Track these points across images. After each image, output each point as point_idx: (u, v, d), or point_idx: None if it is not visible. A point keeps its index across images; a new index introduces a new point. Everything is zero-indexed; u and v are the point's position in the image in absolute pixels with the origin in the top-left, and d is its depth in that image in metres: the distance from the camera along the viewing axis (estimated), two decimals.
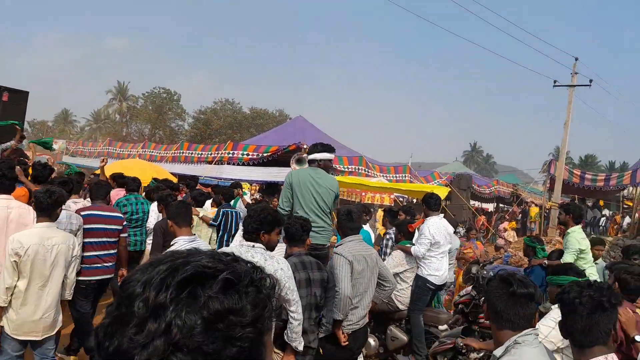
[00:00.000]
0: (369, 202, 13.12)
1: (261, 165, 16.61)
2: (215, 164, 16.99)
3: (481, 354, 3.82)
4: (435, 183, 17.66)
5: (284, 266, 3.08)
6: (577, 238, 5.14)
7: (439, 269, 5.29)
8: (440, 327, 4.66)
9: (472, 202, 20.80)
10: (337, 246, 3.88)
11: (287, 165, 15.55)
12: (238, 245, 3.34)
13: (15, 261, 3.33)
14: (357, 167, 16.57)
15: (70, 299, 3.92)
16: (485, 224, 16.86)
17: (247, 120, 44.06)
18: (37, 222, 3.61)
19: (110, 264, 4.78)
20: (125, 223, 4.99)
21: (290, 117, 39.32)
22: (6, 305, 3.39)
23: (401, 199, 15.08)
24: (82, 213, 4.58)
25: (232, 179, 14.78)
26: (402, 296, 5.30)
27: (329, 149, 4.70)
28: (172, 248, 3.47)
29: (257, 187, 15.61)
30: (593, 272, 5.12)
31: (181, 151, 19.23)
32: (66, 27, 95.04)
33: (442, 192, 10.48)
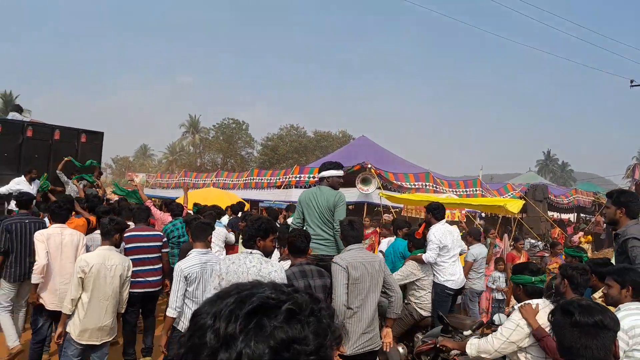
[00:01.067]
0: (459, 221, 12.90)
1: None
2: (283, 188, 17.53)
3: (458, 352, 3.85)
4: (509, 195, 16.96)
5: (278, 269, 3.40)
6: None
7: (454, 274, 5.44)
8: (465, 333, 4.62)
9: (550, 213, 19.71)
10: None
11: (353, 185, 15.77)
12: (238, 253, 3.61)
13: (81, 277, 3.94)
14: (424, 184, 16.34)
15: (123, 312, 4.47)
16: (561, 236, 15.92)
17: (311, 144, 44.89)
18: (101, 244, 4.24)
19: (153, 278, 5.30)
20: (165, 240, 5.53)
21: (353, 138, 39.57)
22: (70, 313, 3.99)
23: (473, 214, 14.62)
24: (125, 235, 5.04)
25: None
26: (422, 303, 5.42)
27: (336, 166, 4.99)
28: (187, 258, 4.10)
29: None
30: None
31: (251, 178, 20.01)
32: (140, 69, 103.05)
33: (517, 205, 10.07)
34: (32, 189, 8.04)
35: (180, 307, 3.97)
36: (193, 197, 13.79)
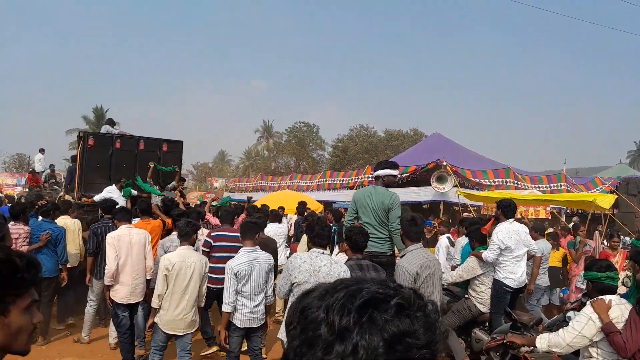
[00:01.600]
0: (520, 216, 12.31)
1: (400, 187, 16.69)
2: (356, 188, 17.59)
3: (531, 348, 3.78)
4: (597, 190, 15.82)
5: (346, 269, 3.65)
6: None
7: (515, 272, 5.38)
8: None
9: None
10: (400, 257, 4.13)
11: (428, 184, 15.47)
12: (312, 251, 3.74)
13: (165, 275, 4.37)
14: (504, 180, 15.68)
15: (202, 305, 4.79)
16: None
17: (382, 143, 44.46)
18: (180, 245, 4.64)
19: None
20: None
21: (425, 135, 38.69)
22: (158, 307, 4.44)
23: (558, 211, 13.79)
24: (212, 234, 5.75)
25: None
26: (482, 298, 5.43)
27: (391, 165, 5.01)
28: (237, 256, 4.38)
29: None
30: None
31: (324, 179, 20.29)
32: (215, 77, 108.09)
33: (608, 200, 9.40)
34: (121, 195, 8.78)
35: (233, 303, 4.23)
36: (269, 199, 14.31)
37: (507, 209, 5.59)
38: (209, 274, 5.27)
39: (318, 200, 14.84)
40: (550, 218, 12.25)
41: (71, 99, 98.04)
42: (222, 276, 5.30)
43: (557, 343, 3.21)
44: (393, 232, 4.64)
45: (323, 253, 3.65)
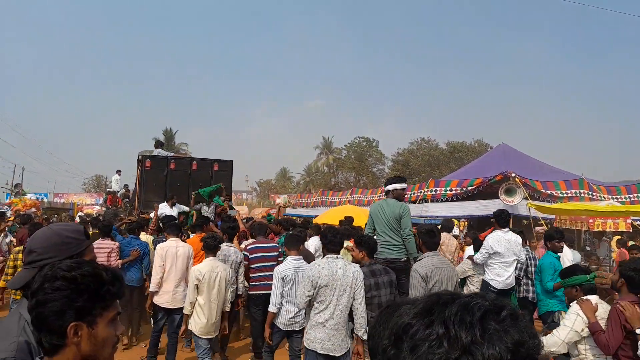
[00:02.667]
0: (599, 229, 11.50)
1: (466, 200, 16.17)
2: (419, 202, 17.24)
3: None
4: None
5: (358, 269, 4.08)
6: None
7: (501, 275, 5.89)
8: None
9: None
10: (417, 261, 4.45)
11: (495, 197, 14.89)
12: (327, 257, 4.13)
13: (196, 284, 4.87)
14: (577, 192, 14.83)
15: (228, 310, 5.22)
16: None
17: (444, 156, 43.50)
18: (206, 257, 5.14)
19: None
20: (280, 250, 6.29)
21: (491, 147, 37.42)
22: (190, 314, 4.93)
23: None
24: (249, 247, 6.28)
25: (437, 216, 14.73)
26: None
27: (399, 180, 5.64)
28: (283, 263, 4.94)
29: (465, 223, 15.13)
30: None
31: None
32: (274, 98, 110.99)
33: None
34: (173, 212, 9.45)
35: (279, 304, 4.68)
36: (331, 214, 14.34)
37: (499, 218, 6.08)
38: (252, 283, 5.96)
39: None
40: (631, 231, 11.38)
41: (144, 122, 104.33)
42: (263, 283, 5.82)
43: (554, 342, 3.39)
44: (405, 237, 5.13)
45: (337, 258, 4.08)
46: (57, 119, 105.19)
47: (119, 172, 19.20)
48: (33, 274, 1.53)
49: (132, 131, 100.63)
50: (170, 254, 5.78)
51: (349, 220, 10.16)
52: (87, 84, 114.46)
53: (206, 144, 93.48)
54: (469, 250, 7.41)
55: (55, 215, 19.08)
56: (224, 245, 5.73)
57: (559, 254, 5.85)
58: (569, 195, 14.76)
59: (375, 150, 47.78)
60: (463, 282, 6.42)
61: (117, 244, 6.57)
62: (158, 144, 12.74)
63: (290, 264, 4.84)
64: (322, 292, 3.90)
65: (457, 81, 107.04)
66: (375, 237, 5.16)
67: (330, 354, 3.91)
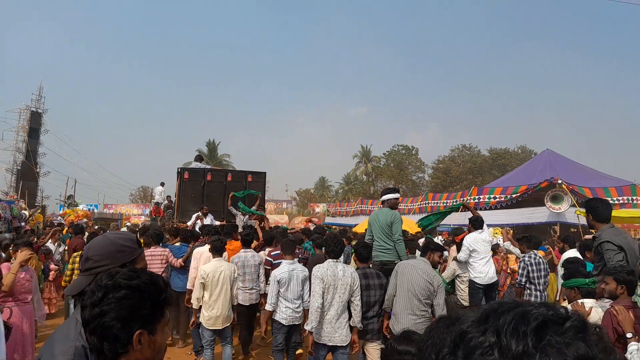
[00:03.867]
0: None
1: (511, 207, 15.74)
2: (461, 210, 16.88)
3: None
4: None
5: (354, 270, 4.77)
6: None
7: (483, 272, 6.83)
8: None
9: None
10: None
11: (541, 204, 14.43)
12: (328, 261, 4.73)
13: (202, 282, 5.48)
14: (630, 198, 14.16)
15: (235, 304, 5.72)
16: None
17: (487, 163, 42.54)
18: (213, 257, 5.73)
19: None
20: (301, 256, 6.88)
21: (535, 153, 36.30)
22: (197, 308, 5.57)
23: None
24: (272, 252, 6.83)
25: (489, 224, 14.37)
26: (462, 295, 7.14)
27: (393, 191, 6.23)
28: (279, 267, 5.49)
29: (511, 231, 14.70)
30: None
31: (427, 202, 19.80)
32: (316, 106, 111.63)
33: None
34: (205, 221, 10.25)
35: (274, 304, 5.31)
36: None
37: (475, 223, 7.09)
38: None
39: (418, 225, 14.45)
40: None
41: (189, 134, 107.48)
42: None
43: None
44: (395, 241, 5.76)
45: (337, 262, 4.73)
46: (106, 133, 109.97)
47: (162, 184, 19.87)
48: (89, 280, 1.60)
49: (178, 143, 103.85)
50: (203, 257, 6.36)
51: (457, 234, 10.12)
52: (134, 98, 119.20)
53: (248, 154, 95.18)
54: (452, 251, 8.23)
55: (102, 226, 19.88)
56: (241, 252, 6.32)
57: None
58: (621, 202, 14.11)
59: (415, 158, 47.29)
60: (453, 282, 7.23)
61: (168, 250, 7.06)
62: (197, 158, 13.56)
63: (285, 267, 5.42)
64: (327, 290, 4.55)
65: (499, 86, 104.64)
66: (373, 242, 5.90)
67: (338, 344, 4.60)
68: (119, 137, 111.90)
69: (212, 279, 5.45)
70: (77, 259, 6.38)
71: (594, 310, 3.49)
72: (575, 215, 10.96)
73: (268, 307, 5.33)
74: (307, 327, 4.66)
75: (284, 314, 5.33)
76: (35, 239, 9.68)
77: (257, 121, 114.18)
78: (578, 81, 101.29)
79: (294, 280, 5.34)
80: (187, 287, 6.47)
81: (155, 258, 6.83)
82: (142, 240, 7.25)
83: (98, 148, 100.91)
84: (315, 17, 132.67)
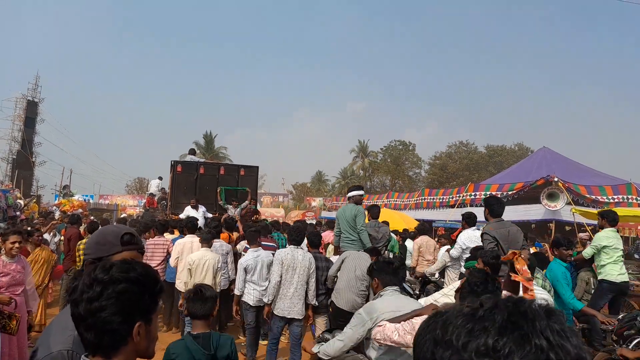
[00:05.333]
0: None
1: (506, 205, 15.73)
2: (457, 207, 16.91)
3: None
4: None
5: (310, 256, 5.53)
6: (601, 236, 6.27)
7: None
8: None
9: None
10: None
11: (537, 201, 14.45)
12: (290, 247, 5.54)
13: (189, 269, 6.08)
14: (625, 197, 14.20)
15: (218, 291, 6.04)
16: None
17: (483, 160, 42.61)
18: (201, 247, 6.35)
19: None
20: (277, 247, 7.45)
21: (532, 150, 36.37)
22: (184, 291, 5.89)
23: None
24: (246, 245, 6.94)
25: (478, 221, 14.42)
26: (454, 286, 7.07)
27: (358, 188, 6.98)
28: (245, 255, 6.18)
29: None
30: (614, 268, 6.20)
31: (423, 197, 19.82)
32: (315, 101, 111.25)
33: None
34: (197, 213, 10.41)
35: (241, 289, 5.87)
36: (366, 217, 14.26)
37: (468, 219, 7.02)
38: None
39: (417, 219, 14.49)
40: None
41: (186, 126, 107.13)
42: None
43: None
44: (359, 231, 6.33)
45: (297, 247, 5.50)
46: (103, 123, 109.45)
47: (160, 178, 19.85)
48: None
49: (175, 135, 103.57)
50: (186, 249, 6.84)
51: (422, 228, 10.13)
52: (132, 89, 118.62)
53: (245, 147, 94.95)
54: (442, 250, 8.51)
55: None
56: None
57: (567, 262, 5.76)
58: (616, 200, 14.14)
59: (412, 154, 47.31)
60: (443, 271, 7.56)
61: (170, 240, 7.39)
62: (191, 151, 13.73)
63: (250, 255, 6.01)
64: (287, 271, 5.32)
65: (497, 84, 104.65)
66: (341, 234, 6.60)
67: (295, 317, 5.34)
68: (116, 128, 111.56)
69: (198, 266, 6.04)
70: (82, 247, 6.71)
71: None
72: (571, 213, 10.99)
73: (236, 292, 5.95)
74: (265, 299, 5.47)
75: (252, 296, 5.87)
76: (29, 228, 9.62)
77: (255, 114, 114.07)
78: (577, 80, 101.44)
79: (259, 266, 5.90)
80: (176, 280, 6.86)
81: (158, 247, 7.24)
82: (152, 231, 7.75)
83: (95, 139, 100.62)
84: (315, 12, 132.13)
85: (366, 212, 7.10)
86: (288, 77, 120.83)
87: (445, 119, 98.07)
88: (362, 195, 6.88)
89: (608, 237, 6.20)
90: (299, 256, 5.41)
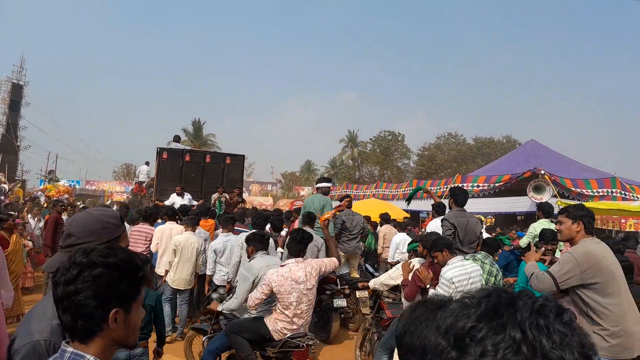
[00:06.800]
0: (632, 229, 11.16)
1: (493, 196, 15.92)
2: (445, 198, 17.03)
3: None
4: None
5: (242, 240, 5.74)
6: (536, 226, 6.52)
7: None
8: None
9: None
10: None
11: (523, 194, 14.62)
12: (252, 232, 5.45)
13: (174, 249, 6.39)
14: (610, 191, 14.43)
15: (202, 273, 6.71)
16: None
17: (471, 151, 42.88)
18: (185, 230, 6.65)
19: None
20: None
21: (519, 143, 36.67)
22: (169, 269, 6.43)
23: None
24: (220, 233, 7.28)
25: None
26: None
27: (326, 180, 7.58)
28: (216, 239, 6.63)
29: (492, 220, 14.90)
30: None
31: (411, 188, 19.90)
32: (304, 91, 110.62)
33: None
34: (182, 201, 10.42)
35: (212, 269, 6.42)
36: (354, 208, 14.32)
37: (438, 209, 7.13)
38: None
39: (405, 210, 14.58)
40: None
41: (175, 112, 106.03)
42: None
43: (376, 280, 5.36)
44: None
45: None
46: (90, 108, 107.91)
47: (147, 163, 19.66)
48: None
49: (163, 121, 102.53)
50: (165, 236, 6.97)
51: (385, 217, 10.22)
52: (120, 74, 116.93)
53: (234, 135, 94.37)
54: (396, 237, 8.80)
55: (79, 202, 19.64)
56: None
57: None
58: (601, 194, 14.37)
59: (401, 145, 47.40)
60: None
61: (154, 229, 7.22)
62: (176, 138, 13.69)
63: (220, 239, 6.50)
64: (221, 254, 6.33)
65: (486, 76, 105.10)
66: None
67: (181, 288, 6.36)
68: (103, 113, 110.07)
69: (183, 247, 6.40)
70: None
71: (416, 264, 4.70)
72: (557, 206, 11.13)
73: (207, 272, 6.48)
74: (225, 277, 6.11)
75: (219, 276, 6.38)
76: (17, 213, 9.50)
77: (245, 103, 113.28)
78: (566, 74, 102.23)
79: (228, 249, 6.34)
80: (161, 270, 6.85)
81: (141, 235, 7.10)
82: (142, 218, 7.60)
83: (81, 123, 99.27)
84: (306, 2, 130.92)
85: (340, 202, 7.58)
86: (279, 65, 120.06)
87: (434, 111, 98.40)
88: (329, 187, 7.42)
89: (542, 227, 6.44)
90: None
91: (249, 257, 4.75)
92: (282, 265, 4.16)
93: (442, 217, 6.98)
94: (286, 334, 3.97)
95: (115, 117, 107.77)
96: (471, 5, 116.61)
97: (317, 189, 7.37)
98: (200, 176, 12.19)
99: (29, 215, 10.85)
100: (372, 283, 5.46)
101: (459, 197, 5.42)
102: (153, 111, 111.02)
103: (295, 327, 4.00)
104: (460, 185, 16.87)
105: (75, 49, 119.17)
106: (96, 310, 1.21)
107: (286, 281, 3.94)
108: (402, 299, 4.74)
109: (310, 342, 3.99)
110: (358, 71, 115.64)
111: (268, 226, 7.56)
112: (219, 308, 4.50)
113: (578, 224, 3.22)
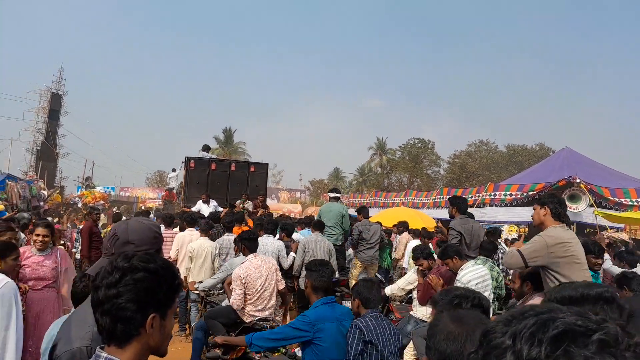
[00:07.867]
0: None
1: (527, 205, 15.52)
2: (476, 206, 16.71)
3: None
4: None
5: (281, 244, 6.78)
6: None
7: None
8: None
9: None
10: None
11: None
12: (264, 236, 6.59)
13: (190, 255, 6.68)
14: None
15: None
16: None
17: (504, 159, 42.03)
18: (200, 237, 6.92)
19: None
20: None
21: (553, 150, 35.74)
22: (186, 275, 6.62)
23: None
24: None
25: (495, 222, 14.27)
26: None
27: (337, 191, 8.45)
28: (194, 242, 6.77)
29: (526, 229, 14.51)
30: None
31: (442, 196, 19.63)
32: (333, 97, 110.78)
33: None
34: (208, 208, 10.78)
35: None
36: (384, 215, 14.25)
37: (460, 204, 7.08)
38: None
39: (435, 218, 14.39)
40: None
41: (208, 120, 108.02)
42: None
43: (393, 286, 5.95)
44: (347, 231, 7.76)
45: (268, 236, 6.68)
46: (126, 117, 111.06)
47: (173, 170, 20.09)
48: None
49: (195, 129, 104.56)
50: (184, 242, 7.22)
51: (403, 225, 10.20)
52: (154, 84, 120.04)
53: (263, 142, 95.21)
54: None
55: (115, 208, 20.19)
56: (225, 236, 7.30)
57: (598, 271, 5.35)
58: (639, 203, 13.84)
59: (431, 152, 46.91)
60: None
61: (174, 233, 7.65)
62: (204, 148, 14.12)
63: (196, 243, 6.81)
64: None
65: (519, 82, 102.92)
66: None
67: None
68: (138, 122, 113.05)
69: (198, 253, 6.70)
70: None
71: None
72: (593, 216, 10.78)
73: (183, 274, 6.78)
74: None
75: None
76: (58, 218, 9.86)
77: (274, 110, 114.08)
78: (601, 79, 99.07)
79: (205, 253, 6.73)
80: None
81: (168, 240, 7.36)
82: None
83: (117, 131, 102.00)
84: (331, 10, 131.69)
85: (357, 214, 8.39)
86: (306, 73, 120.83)
87: (464, 118, 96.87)
88: (338, 197, 8.37)
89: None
90: (268, 242, 6.54)
91: (235, 253, 5.81)
92: (242, 262, 4.95)
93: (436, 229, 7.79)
94: (254, 316, 4.68)
95: (149, 126, 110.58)
96: (499, 8, 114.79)
97: (332, 198, 8.17)
98: (225, 184, 12.67)
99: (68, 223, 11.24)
100: (389, 290, 5.97)
101: (462, 205, 5.87)
102: (186, 120, 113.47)
103: (259, 308, 4.76)
104: (492, 193, 16.59)
105: (111, 59, 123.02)
106: (135, 314, 1.24)
107: (251, 271, 4.76)
108: (414, 303, 5.25)
109: (274, 325, 4.59)
110: (384, 77, 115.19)
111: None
112: (196, 286, 6.12)
113: (545, 208, 3.51)
